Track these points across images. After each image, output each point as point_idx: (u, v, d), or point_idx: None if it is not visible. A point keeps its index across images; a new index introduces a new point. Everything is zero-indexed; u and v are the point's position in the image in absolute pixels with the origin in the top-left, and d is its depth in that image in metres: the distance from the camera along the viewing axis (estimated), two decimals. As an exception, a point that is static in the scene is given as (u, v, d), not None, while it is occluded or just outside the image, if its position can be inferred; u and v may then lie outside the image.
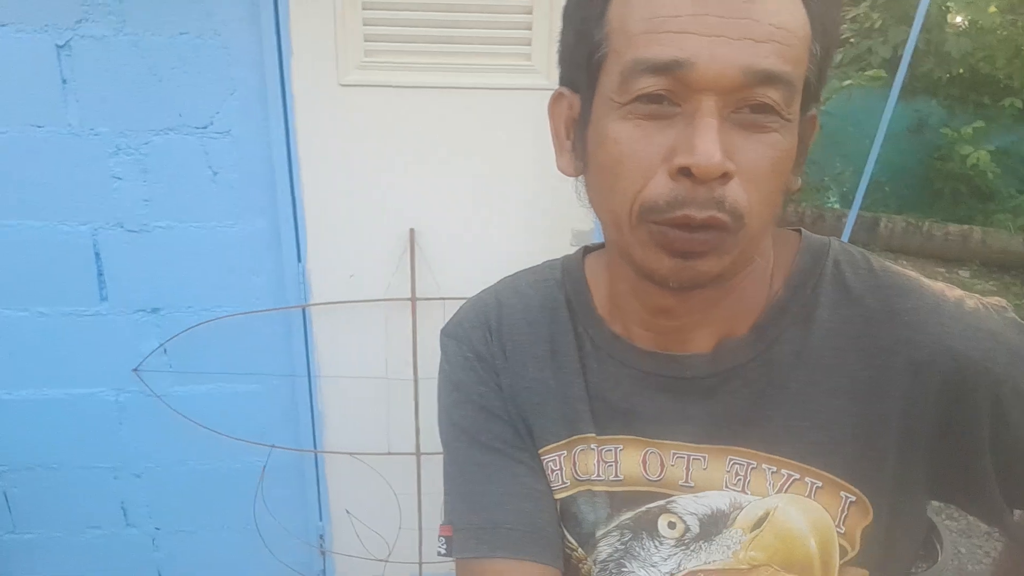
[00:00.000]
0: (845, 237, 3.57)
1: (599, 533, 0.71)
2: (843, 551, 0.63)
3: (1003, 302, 0.65)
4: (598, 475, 0.71)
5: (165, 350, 2.01)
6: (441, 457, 2.00)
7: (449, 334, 0.81)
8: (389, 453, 2.09)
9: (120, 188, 1.86)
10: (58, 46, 1.73)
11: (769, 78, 0.54)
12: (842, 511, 0.63)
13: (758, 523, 0.64)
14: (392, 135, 1.90)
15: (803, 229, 0.70)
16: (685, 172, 0.54)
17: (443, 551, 0.76)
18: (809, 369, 0.64)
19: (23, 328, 1.95)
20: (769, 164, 0.56)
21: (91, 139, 1.81)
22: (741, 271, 0.63)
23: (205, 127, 1.84)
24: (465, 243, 2.01)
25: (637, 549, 0.69)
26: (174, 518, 2.24)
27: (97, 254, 1.91)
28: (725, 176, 0.54)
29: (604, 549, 0.71)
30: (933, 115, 6.93)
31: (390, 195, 1.95)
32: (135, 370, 2.00)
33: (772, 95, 0.54)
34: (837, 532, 0.63)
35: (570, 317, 0.74)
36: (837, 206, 6.77)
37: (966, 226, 6.06)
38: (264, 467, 2.13)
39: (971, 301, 0.64)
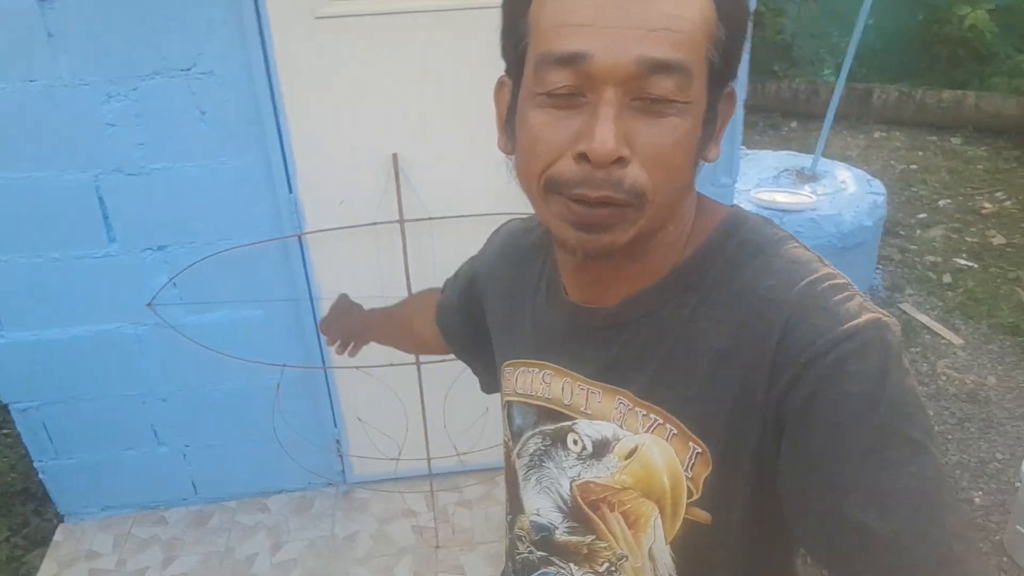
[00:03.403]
0: (831, 109, 3.60)
1: (527, 434, 0.87)
2: (689, 492, 0.72)
3: (892, 320, 0.65)
4: (534, 392, 0.86)
5: (175, 284, 2.14)
6: (437, 364, 2.24)
7: (497, 232, 1.00)
8: (391, 364, 2.25)
9: (115, 134, 1.94)
10: (40, 0, 1.78)
11: (661, 67, 0.59)
12: (690, 459, 0.71)
13: (629, 454, 0.75)
14: (369, 63, 1.95)
15: (738, 206, 0.77)
16: (584, 157, 0.61)
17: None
18: (687, 331, 0.71)
19: (41, 273, 2.09)
20: (668, 146, 0.62)
21: (82, 89, 1.88)
22: (651, 239, 0.69)
23: (189, 69, 1.90)
24: (447, 163, 2.09)
25: (553, 453, 0.84)
26: (201, 435, 2.44)
27: (100, 199, 2.02)
28: (622, 160, 0.61)
29: (531, 446, 0.87)
30: (930, -25, 6.72)
31: (372, 122, 2.02)
32: (149, 304, 2.14)
33: (666, 84, 0.60)
34: (685, 476, 0.72)
35: (543, 260, 0.87)
36: (832, 78, 6.68)
37: (960, 91, 5.98)
38: (279, 384, 2.29)
39: (844, 295, 0.65)
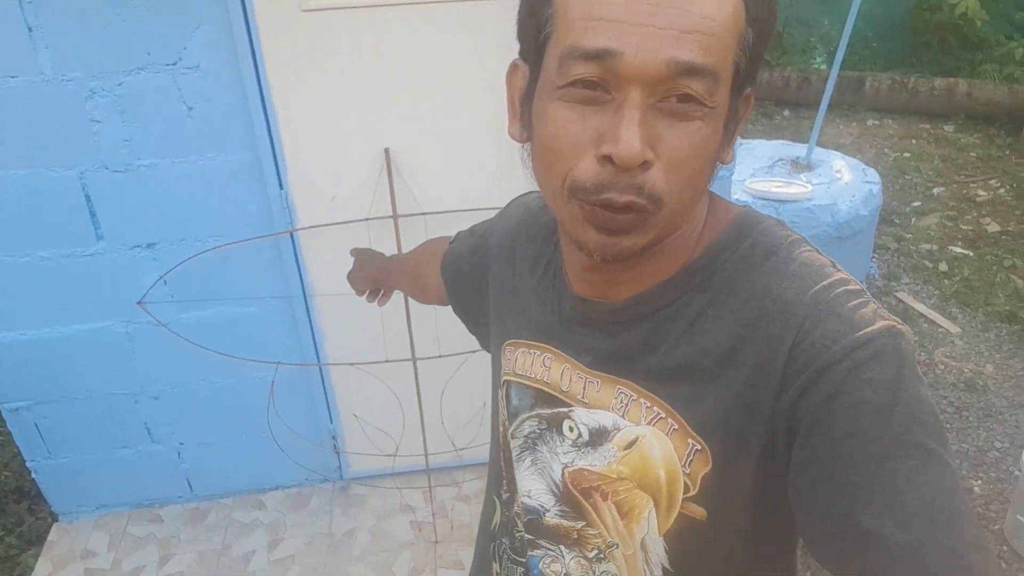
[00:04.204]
0: (825, 99, 3.57)
1: (522, 415, 0.86)
2: (686, 487, 0.71)
3: (903, 327, 0.65)
4: (533, 374, 0.85)
5: (165, 282, 2.11)
6: (433, 361, 2.22)
7: (515, 202, 0.99)
8: (387, 361, 2.23)
9: (100, 131, 1.91)
10: (19, -6, 1.74)
11: (691, 70, 0.58)
12: (688, 455, 0.70)
13: (629, 445, 0.74)
14: (358, 57, 1.92)
15: (749, 207, 0.76)
16: (608, 160, 0.59)
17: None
18: (692, 329, 0.71)
19: (28, 272, 2.06)
20: (691, 150, 0.61)
21: (65, 85, 1.85)
22: (664, 240, 0.69)
23: (175, 63, 1.86)
24: (440, 158, 2.06)
25: (548, 437, 0.83)
26: (195, 433, 2.42)
27: (87, 196, 1.98)
28: (646, 164, 0.59)
29: (526, 427, 0.86)
30: (921, -37, 6.71)
31: (363, 116, 1.99)
32: (139, 303, 2.11)
33: (695, 86, 0.58)
34: (682, 471, 0.71)
35: (553, 246, 0.86)
36: (824, 67, 6.66)
37: (951, 79, 5.98)
38: (272, 382, 2.27)
39: (858, 301, 0.65)
